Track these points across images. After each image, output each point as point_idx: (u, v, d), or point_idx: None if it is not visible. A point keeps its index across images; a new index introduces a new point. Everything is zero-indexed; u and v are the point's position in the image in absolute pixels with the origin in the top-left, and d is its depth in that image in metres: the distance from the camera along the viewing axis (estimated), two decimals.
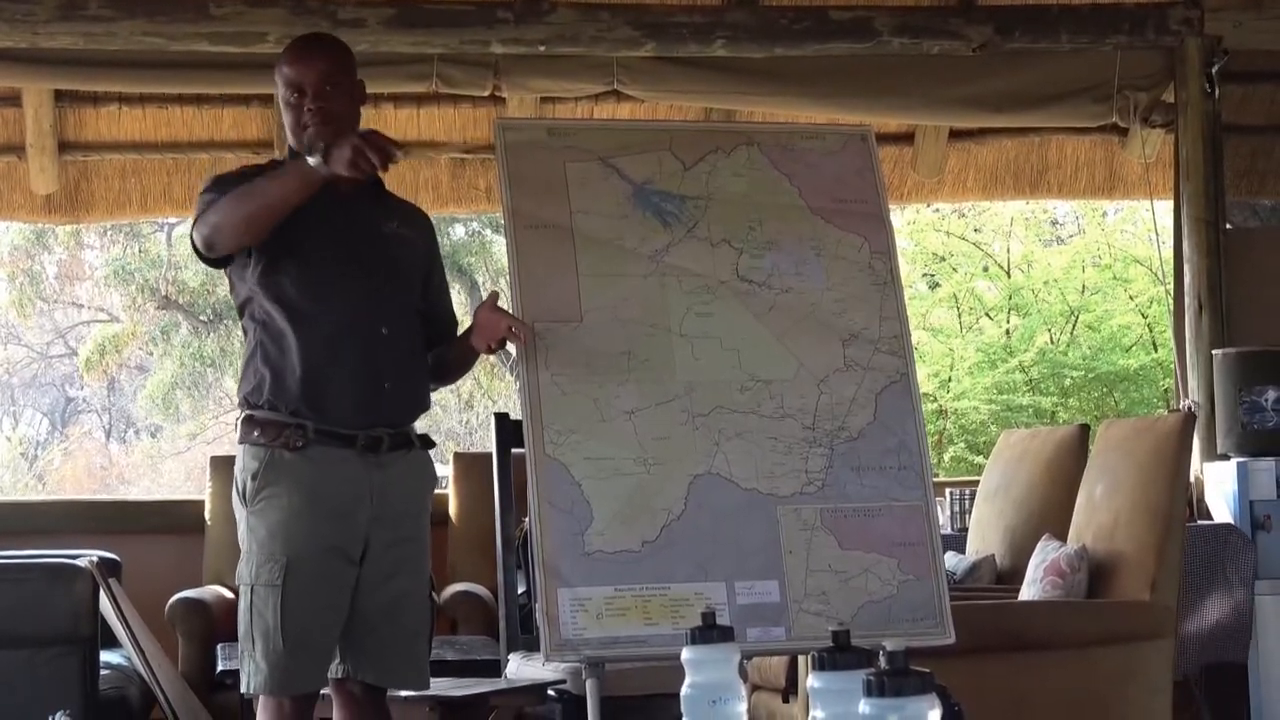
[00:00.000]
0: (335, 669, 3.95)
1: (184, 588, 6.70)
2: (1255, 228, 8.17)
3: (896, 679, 2.09)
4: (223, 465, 7.39)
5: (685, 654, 2.74)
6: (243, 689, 3.88)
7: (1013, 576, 5.90)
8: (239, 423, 4.00)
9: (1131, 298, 13.36)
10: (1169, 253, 7.58)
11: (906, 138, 8.24)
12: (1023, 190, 8.59)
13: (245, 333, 4.03)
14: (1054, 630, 5.10)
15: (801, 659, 4.67)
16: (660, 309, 4.07)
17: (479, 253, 17.03)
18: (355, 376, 3.89)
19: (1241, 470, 6.66)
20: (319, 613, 3.85)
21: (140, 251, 17.43)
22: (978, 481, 6.73)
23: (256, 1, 6.96)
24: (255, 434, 3.92)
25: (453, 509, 7.49)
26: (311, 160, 3.76)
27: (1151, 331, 13.18)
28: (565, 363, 3.97)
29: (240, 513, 3.95)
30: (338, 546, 3.86)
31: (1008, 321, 13.75)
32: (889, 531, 4.04)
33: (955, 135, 8.24)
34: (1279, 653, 6.48)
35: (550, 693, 4.83)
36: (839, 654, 2.33)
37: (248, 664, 3.84)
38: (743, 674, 2.84)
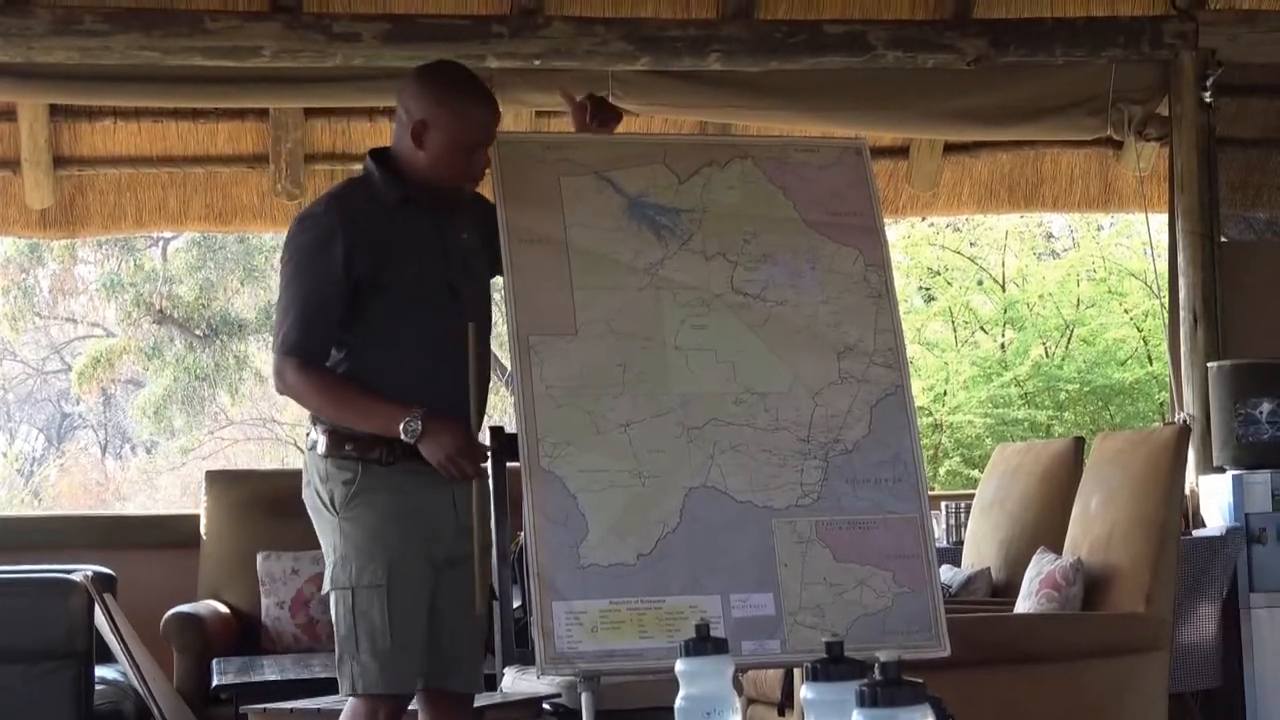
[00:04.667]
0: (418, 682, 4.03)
1: (179, 602, 6.69)
2: (1250, 240, 8.16)
3: (889, 690, 2.09)
4: (218, 480, 7.38)
5: (679, 666, 2.74)
6: (344, 691, 3.95)
7: (1008, 589, 5.90)
8: (320, 435, 4.00)
9: (1126, 311, 13.36)
10: (1164, 266, 7.58)
11: (901, 151, 8.25)
12: (1017, 203, 8.59)
13: None
14: (1050, 642, 5.09)
15: (797, 672, 4.67)
16: (655, 322, 4.07)
17: None
18: (450, 406, 3.93)
19: (1237, 483, 6.66)
20: (419, 613, 3.94)
21: (135, 266, 17.42)
22: (973, 495, 6.73)
23: (251, 16, 6.98)
24: (346, 448, 3.95)
25: None
26: (404, 434, 3.86)
27: (1147, 345, 13.18)
28: (560, 375, 3.96)
29: (328, 522, 3.98)
30: (429, 553, 3.94)
31: (1003, 335, 13.75)
32: (884, 544, 4.04)
33: (950, 148, 8.25)
34: (1275, 665, 6.48)
35: (545, 706, 4.82)
36: (832, 665, 2.33)
37: (351, 665, 3.91)
38: (738, 687, 2.83)
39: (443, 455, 3.88)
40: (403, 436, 3.86)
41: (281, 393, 4.11)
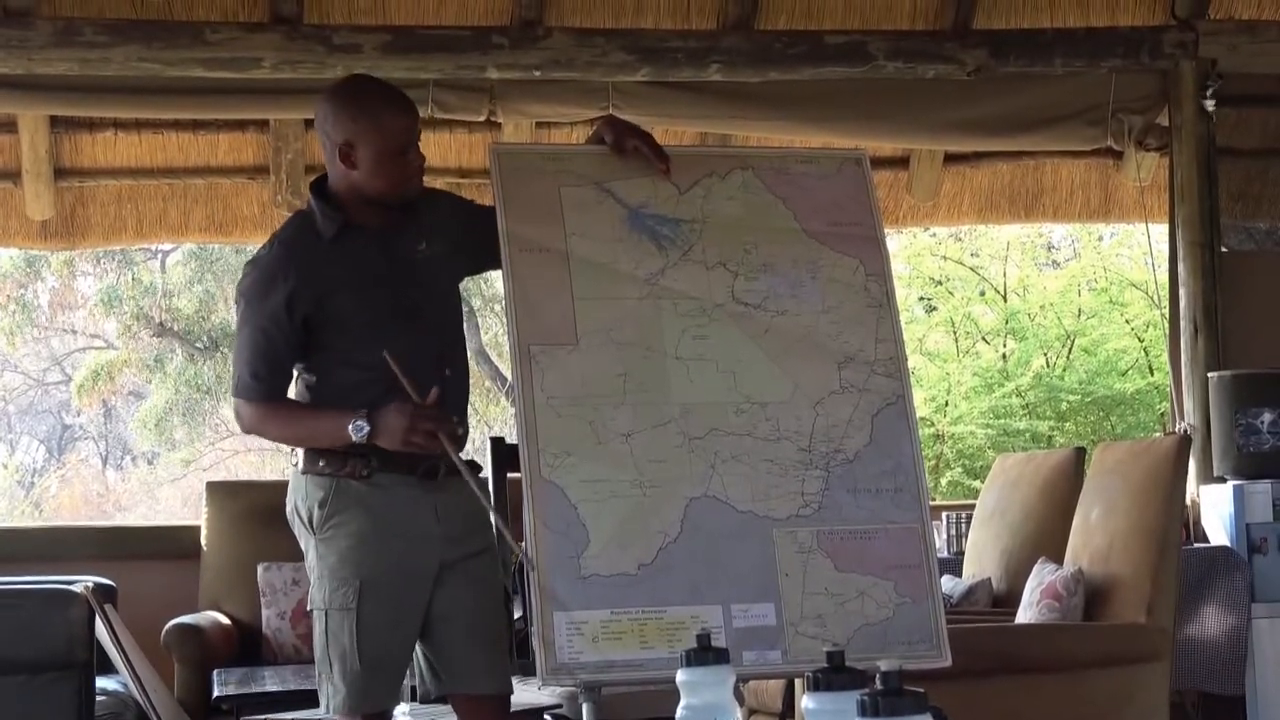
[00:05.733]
0: (435, 687, 4.04)
1: (180, 613, 6.69)
2: (1250, 250, 8.17)
3: (890, 699, 2.08)
4: (219, 491, 7.38)
5: (680, 676, 2.73)
6: (322, 711, 3.98)
7: (1009, 599, 5.90)
8: (299, 453, 4.00)
9: (1127, 321, 13.37)
10: (1164, 276, 7.59)
11: (902, 161, 8.25)
12: (1018, 214, 8.59)
13: (294, 374, 4.07)
14: (1051, 653, 5.09)
15: (798, 682, 4.67)
16: (656, 332, 4.06)
17: (473, 277, 16.95)
18: None
19: (1238, 493, 6.66)
20: (392, 633, 3.92)
21: (134, 279, 17.43)
22: (974, 505, 6.73)
23: (252, 27, 6.98)
24: (320, 464, 3.94)
25: None
26: (355, 437, 3.85)
27: (1148, 355, 13.18)
28: (561, 385, 3.96)
29: (307, 541, 3.99)
30: (408, 567, 3.91)
31: (1004, 346, 13.75)
32: (885, 554, 4.03)
33: (950, 159, 8.25)
34: (1276, 675, 6.48)
35: (546, 717, 4.82)
36: (833, 674, 2.32)
37: (325, 686, 3.94)
38: (739, 697, 2.83)
39: (400, 437, 3.83)
40: (354, 439, 3.85)
41: (245, 432, 4.15)
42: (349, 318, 3.93)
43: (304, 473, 3.96)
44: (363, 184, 3.95)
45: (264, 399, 3.97)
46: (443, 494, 3.96)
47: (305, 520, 3.96)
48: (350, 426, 3.84)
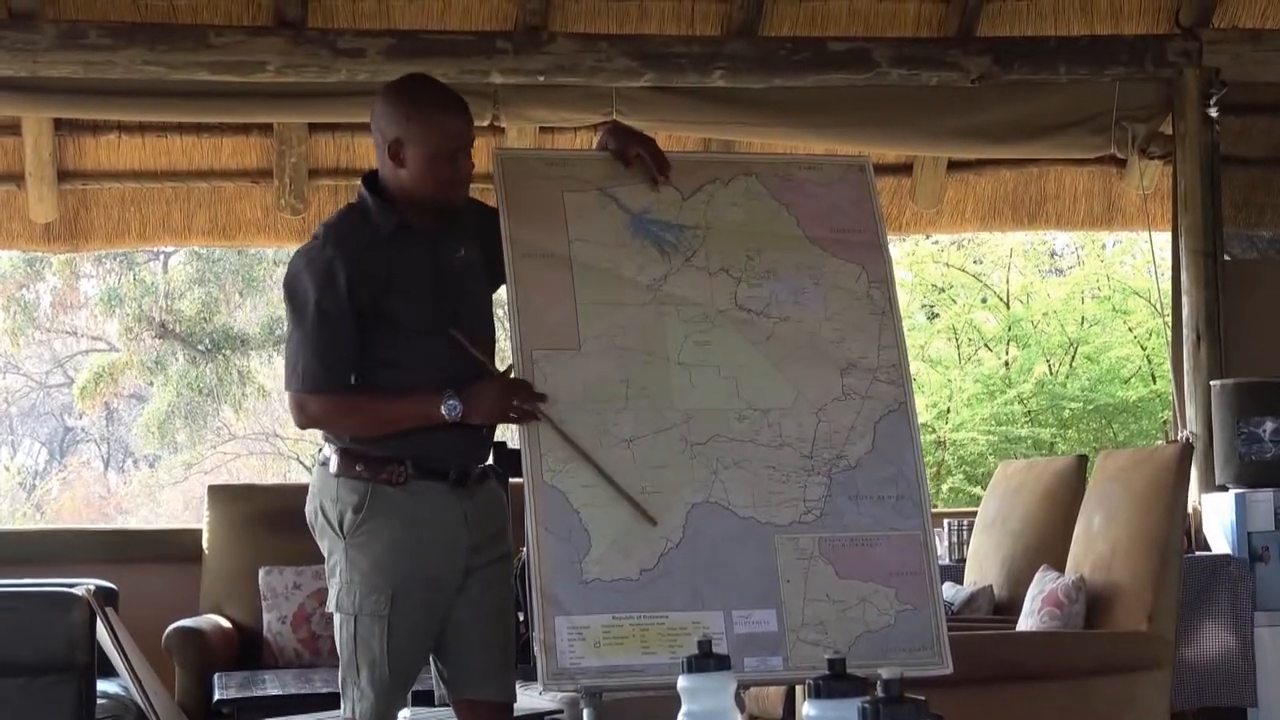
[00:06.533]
0: (445, 692, 4.05)
1: (181, 617, 6.69)
2: (1253, 259, 8.17)
3: (891, 707, 2.09)
4: (220, 495, 7.38)
5: (681, 682, 2.73)
6: (346, 714, 3.96)
7: (1010, 607, 5.90)
8: (333, 453, 3.96)
9: (1130, 329, 13.35)
10: (1167, 284, 7.59)
11: (905, 168, 8.25)
12: (1021, 221, 8.59)
13: None
14: (1052, 661, 5.09)
15: (799, 689, 4.67)
16: (658, 337, 4.07)
17: None
18: (462, 427, 3.92)
19: (1239, 501, 6.65)
20: (419, 641, 3.95)
21: (136, 280, 17.42)
22: (976, 512, 6.73)
23: (256, 31, 6.99)
24: (358, 468, 3.91)
25: None
26: (448, 415, 3.85)
27: (1150, 363, 13.17)
28: (563, 390, 3.96)
29: (335, 544, 3.95)
30: (438, 575, 3.92)
31: (1006, 353, 13.74)
32: (887, 561, 4.03)
33: (954, 166, 8.25)
34: (1277, 685, 6.47)
35: None
36: (835, 682, 2.32)
37: (352, 691, 3.93)
38: (739, 703, 2.83)
39: (495, 409, 3.90)
40: (448, 418, 3.84)
41: (304, 427, 4.05)
42: (398, 319, 3.92)
43: (338, 475, 3.93)
44: (410, 184, 3.94)
45: (336, 389, 3.92)
46: (471, 501, 3.97)
47: (335, 523, 3.93)
48: (443, 406, 3.85)
